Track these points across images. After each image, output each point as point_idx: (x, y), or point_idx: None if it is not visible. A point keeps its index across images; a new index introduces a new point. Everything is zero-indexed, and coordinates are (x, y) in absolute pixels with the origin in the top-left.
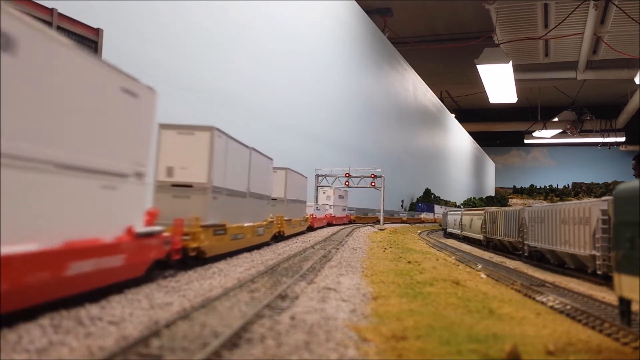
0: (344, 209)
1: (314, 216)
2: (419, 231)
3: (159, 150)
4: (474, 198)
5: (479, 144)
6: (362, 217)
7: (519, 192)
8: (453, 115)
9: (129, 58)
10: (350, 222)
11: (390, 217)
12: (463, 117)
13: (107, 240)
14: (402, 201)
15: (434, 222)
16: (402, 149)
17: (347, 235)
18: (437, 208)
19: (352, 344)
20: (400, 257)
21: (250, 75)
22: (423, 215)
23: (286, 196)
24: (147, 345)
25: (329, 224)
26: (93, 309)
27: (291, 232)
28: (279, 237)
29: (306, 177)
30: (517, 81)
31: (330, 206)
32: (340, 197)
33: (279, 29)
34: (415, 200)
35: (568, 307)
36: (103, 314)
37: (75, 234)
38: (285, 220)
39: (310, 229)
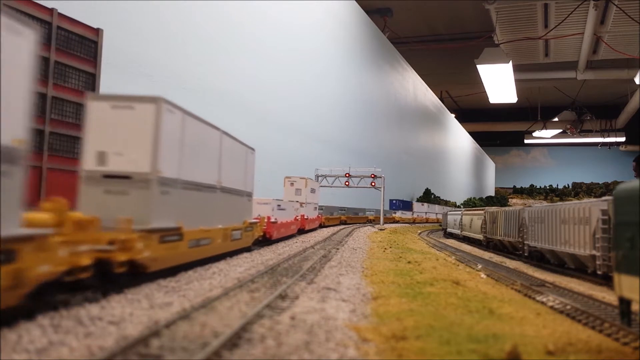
0: (316, 208)
1: (274, 220)
2: (419, 231)
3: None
4: (474, 198)
5: (479, 144)
6: (330, 218)
7: (519, 192)
8: (453, 115)
9: (129, 58)
10: (321, 225)
11: (355, 217)
12: (463, 117)
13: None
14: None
15: (413, 223)
16: (402, 149)
17: (347, 236)
18: (417, 206)
19: (352, 344)
20: (400, 257)
21: (250, 75)
22: (398, 215)
23: (158, 169)
24: (147, 345)
25: (300, 231)
26: (93, 309)
27: (180, 262)
28: (113, 278)
29: (253, 150)
30: (517, 81)
31: (301, 204)
32: (313, 191)
33: (279, 29)
34: (415, 200)
35: (568, 307)
36: (103, 314)
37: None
38: (145, 232)
39: (262, 241)
